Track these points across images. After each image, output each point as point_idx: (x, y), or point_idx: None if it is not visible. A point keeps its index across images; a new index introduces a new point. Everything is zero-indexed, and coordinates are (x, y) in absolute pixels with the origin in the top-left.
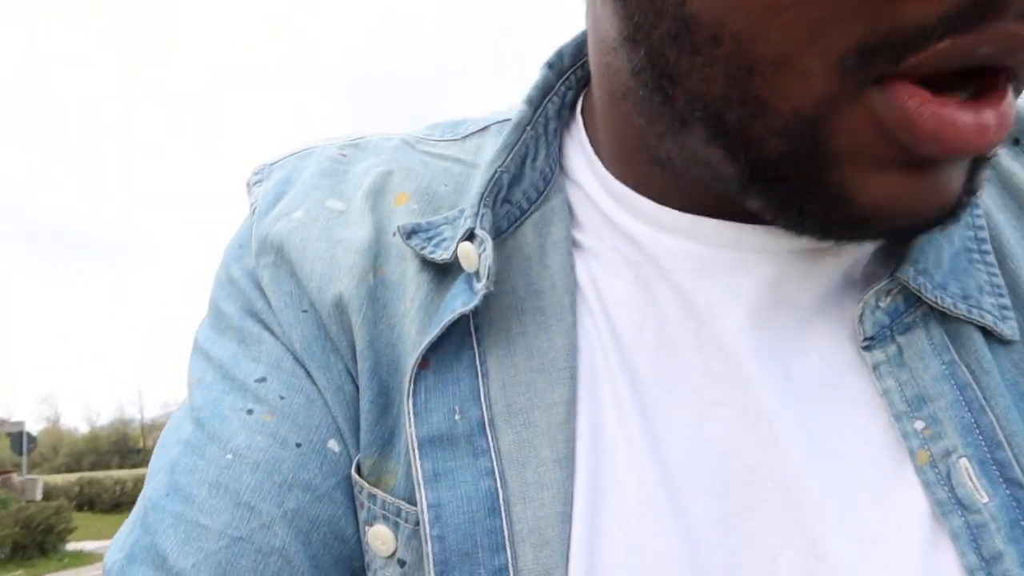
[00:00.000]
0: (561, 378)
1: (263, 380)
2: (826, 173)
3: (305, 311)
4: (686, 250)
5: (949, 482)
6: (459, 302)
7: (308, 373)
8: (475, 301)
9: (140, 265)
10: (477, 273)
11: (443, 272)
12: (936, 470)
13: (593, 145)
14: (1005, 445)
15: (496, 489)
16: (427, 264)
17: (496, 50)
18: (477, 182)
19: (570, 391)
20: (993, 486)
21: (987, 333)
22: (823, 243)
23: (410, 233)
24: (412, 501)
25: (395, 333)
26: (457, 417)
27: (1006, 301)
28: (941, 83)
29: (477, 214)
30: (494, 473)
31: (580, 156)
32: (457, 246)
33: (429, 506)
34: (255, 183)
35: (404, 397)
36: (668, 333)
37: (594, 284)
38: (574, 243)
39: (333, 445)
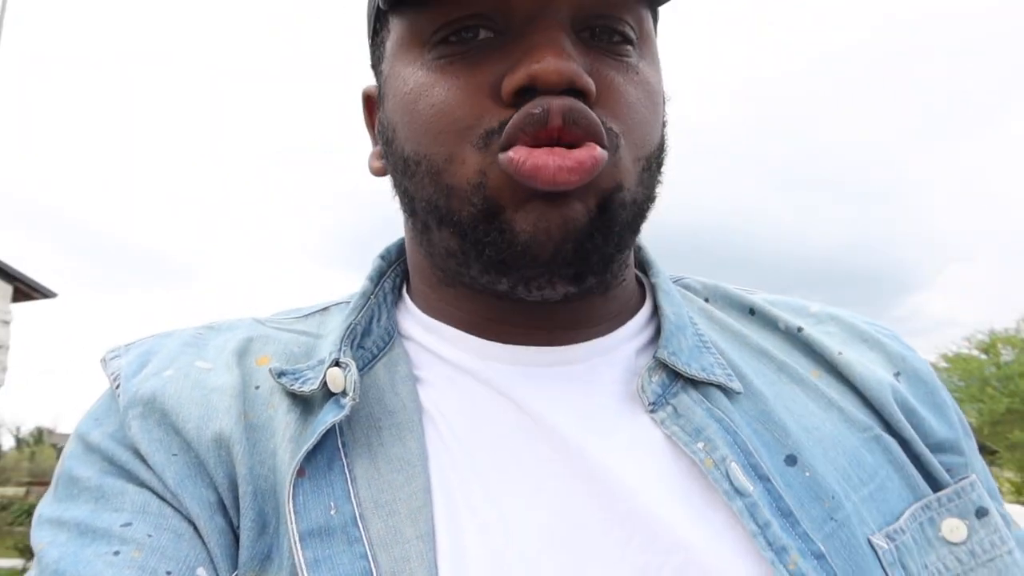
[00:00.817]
0: (416, 473)
1: (128, 524)
2: (498, 218)
3: (175, 455)
4: (510, 372)
5: (728, 478)
6: (329, 416)
7: (178, 510)
8: (344, 412)
9: (198, 286)
10: (343, 391)
11: (308, 408)
12: (719, 470)
13: (422, 309)
14: (754, 454)
15: (370, 569)
16: (295, 404)
17: None
18: (333, 334)
19: (425, 481)
20: (753, 480)
21: (723, 391)
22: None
23: (280, 374)
24: None
25: (267, 467)
26: (333, 512)
27: (730, 371)
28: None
29: (339, 349)
30: (367, 556)
31: (410, 320)
32: (325, 374)
33: None
34: (112, 358)
35: (285, 500)
36: (500, 432)
37: (435, 405)
38: (415, 379)
39: (201, 572)
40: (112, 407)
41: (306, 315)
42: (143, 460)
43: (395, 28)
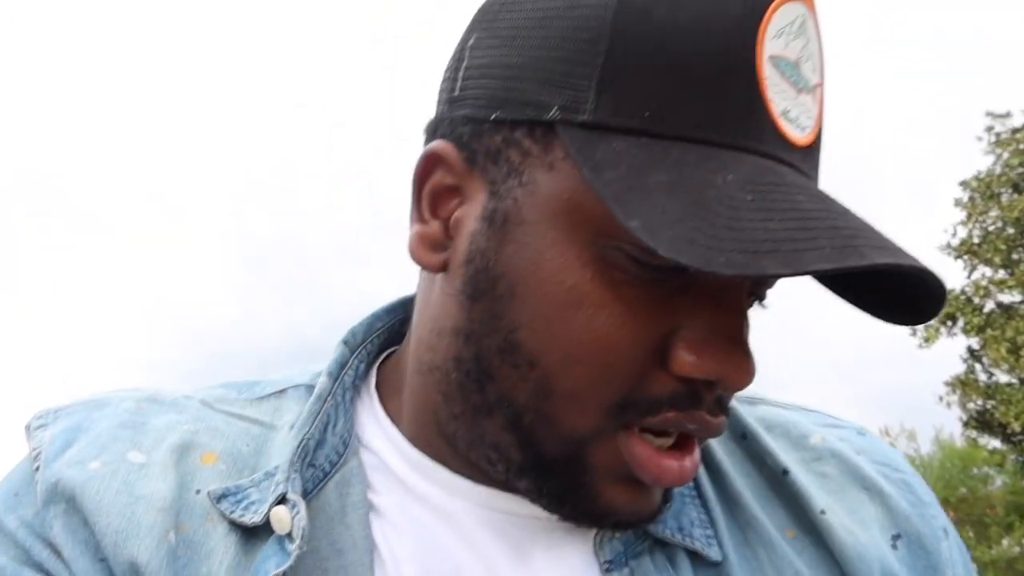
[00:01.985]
0: None
1: None
2: (582, 476)
3: (102, 559)
4: (478, 514)
5: None
6: (272, 564)
7: None
8: (289, 562)
9: None
10: (289, 535)
11: (250, 533)
12: None
13: (389, 413)
14: None
15: None
16: (235, 526)
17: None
18: (286, 447)
19: None
20: None
21: (697, 556)
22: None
23: (220, 497)
24: None
25: None
26: None
27: (711, 532)
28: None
29: (288, 479)
30: None
31: (374, 423)
32: (269, 510)
33: None
34: (37, 427)
35: None
36: None
37: (387, 543)
38: (369, 505)
39: None
40: (31, 488)
41: (260, 398)
42: (66, 565)
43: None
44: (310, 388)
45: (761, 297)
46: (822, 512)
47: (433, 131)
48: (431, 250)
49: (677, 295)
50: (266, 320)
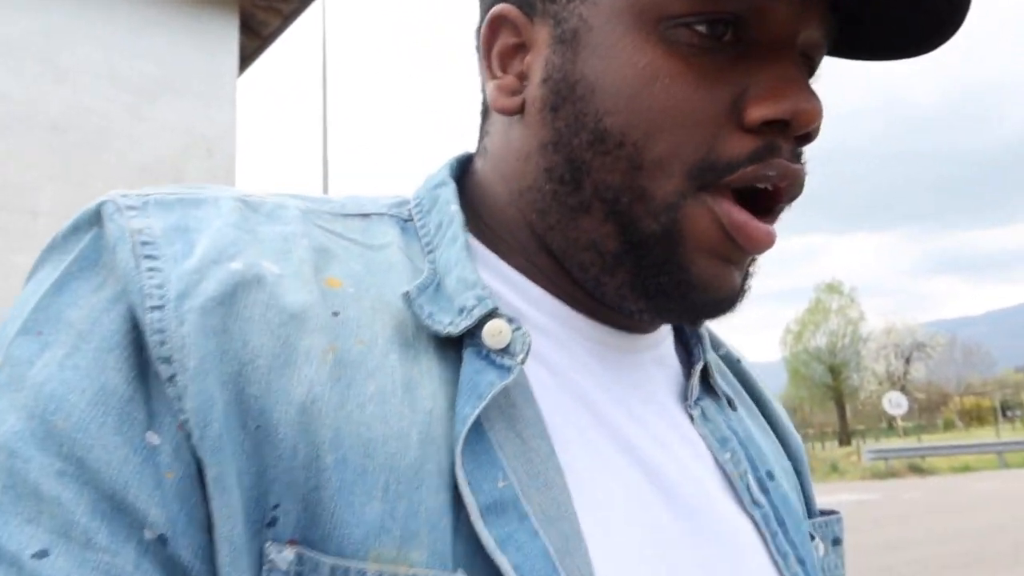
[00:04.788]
0: (547, 443)
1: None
2: (676, 248)
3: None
4: (585, 345)
5: (748, 491)
6: (494, 375)
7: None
8: (513, 375)
9: None
10: (506, 349)
11: (415, 354)
12: (743, 482)
13: (497, 251)
14: (759, 467)
15: (546, 548)
16: (393, 345)
17: None
18: (468, 268)
19: (549, 448)
20: (763, 494)
21: (728, 404)
22: (652, 326)
23: (414, 302)
24: (447, 568)
25: (356, 418)
26: (501, 484)
27: (729, 390)
28: (744, 197)
29: (491, 296)
30: (539, 533)
31: (479, 262)
32: (481, 322)
33: (514, 567)
34: (129, 208)
35: (456, 467)
36: (588, 400)
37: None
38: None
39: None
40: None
41: (344, 215)
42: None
43: None
44: (394, 219)
45: (812, 67)
46: (762, 390)
47: (490, 3)
48: (509, 96)
49: (739, 62)
50: None
